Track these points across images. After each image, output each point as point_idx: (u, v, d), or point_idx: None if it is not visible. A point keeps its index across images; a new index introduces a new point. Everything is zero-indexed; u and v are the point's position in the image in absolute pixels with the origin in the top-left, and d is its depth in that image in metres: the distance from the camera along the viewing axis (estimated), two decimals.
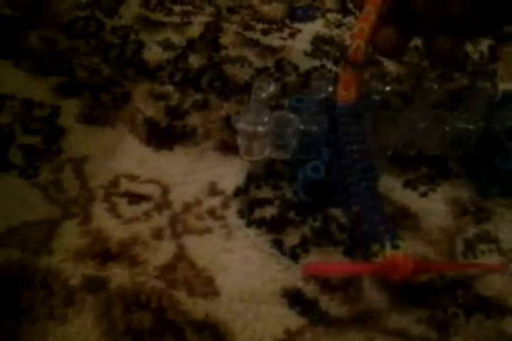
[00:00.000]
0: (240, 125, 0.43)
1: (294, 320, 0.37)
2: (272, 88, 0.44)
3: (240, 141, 0.46)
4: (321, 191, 0.43)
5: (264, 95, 0.44)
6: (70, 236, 0.40)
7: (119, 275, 0.38)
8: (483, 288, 0.40)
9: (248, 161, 0.47)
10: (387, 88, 0.49)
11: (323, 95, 0.45)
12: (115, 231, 0.41)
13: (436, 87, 0.48)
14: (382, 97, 0.48)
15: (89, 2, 0.62)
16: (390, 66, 0.59)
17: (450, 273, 0.40)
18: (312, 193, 0.44)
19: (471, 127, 0.45)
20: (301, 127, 0.43)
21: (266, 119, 0.43)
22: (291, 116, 0.43)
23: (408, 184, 0.47)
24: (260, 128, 0.43)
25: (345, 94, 0.42)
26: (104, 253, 0.39)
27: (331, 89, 0.45)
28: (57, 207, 0.42)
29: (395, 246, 0.36)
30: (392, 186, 0.46)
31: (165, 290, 0.38)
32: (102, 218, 0.42)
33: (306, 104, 0.46)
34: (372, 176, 0.40)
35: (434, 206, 0.45)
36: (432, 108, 0.47)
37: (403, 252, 0.35)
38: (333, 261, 0.41)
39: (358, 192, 0.39)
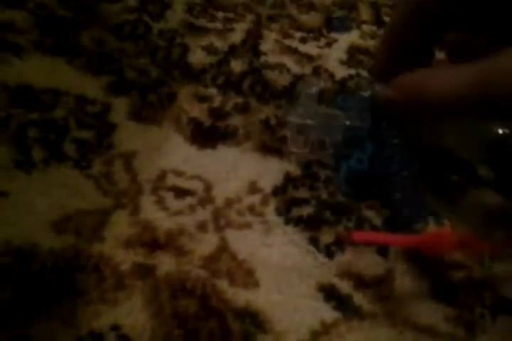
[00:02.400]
0: (290, 117, 0.46)
1: (329, 314, 0.40)
2: (321, 83, 0.47)
3: (289, 134, 0.48)
4: (364, 182, 0.46)
5: (313, 90, 0.46)
6: (120, 225, 0.43)
7: (166, 263, 0.41)
8: (509, 291, 0.42)
9: (294, 154, 0.50)
10: None
11: (368, 92, 0.48)
12: (162, 222, 0.43)
13: None
14: None
15: (137, 6, 0.65)
16: None
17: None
18: (355, 185, 0.46)
19: (507, 131, 0.47)
20: (347, 122, 0.46)
21: (314, 114, 0.46)
22: (338, 113, 0.46)
23: (437, 191, 0.49)
24: (309, 122, 0.46)
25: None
26: (153, 243, 0.42)
27: (376, 87, 0.48)
28: (109, 198, 0.44)
29: (439, 223, 0.37)
30: None
31: (209, 279, 0.40)
32: (150, 210, 0.44)
33: (350, 102, 0.49)
34: (413, 166, 0.43)
35: (463, 213, 0.47)
36: None
37: (447, 228, 0.37)
38: (381, 232, 0.43)
39: (399, 181, 0.42)
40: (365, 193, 0.47)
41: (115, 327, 0.37)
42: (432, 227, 0.38)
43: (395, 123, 0.46)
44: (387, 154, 0.45)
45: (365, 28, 0.68)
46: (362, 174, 0.45)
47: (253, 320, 0.38)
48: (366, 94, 0.49)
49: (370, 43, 0.65)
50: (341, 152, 0.48)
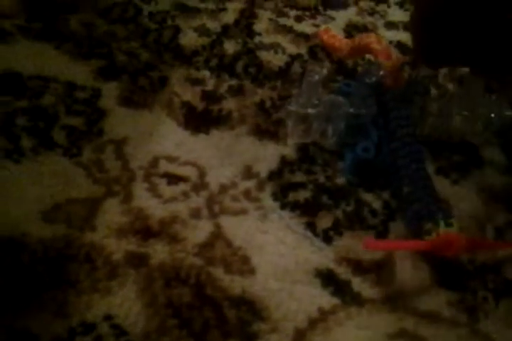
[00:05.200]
0: (291, 107, 0.44)
1: (326, 300, 0.39)
2: (324, 71, 0.45)
3: (290, 123, 0.47)
4: (369, 171, 0.45)
5: (316, 78, 0.45)
6: (112, 213, 0.42)
7: (159, 251, 0.40)
8: None
9: (296, 143, 0.48)
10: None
11: (373, 79, 0.46)
12: (155, 209, 0.42)
13: None
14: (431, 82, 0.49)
15: None
16: None
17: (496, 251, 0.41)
18: (361, 173, 0.45)
19: None
20: (350, 110, 0.44)
21: (316, 102, 0.44)
22: (341, 99, 0.45)
23: (440, 171, 0.47)
24: (310, 111, 0.44)
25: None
26: (145, 231, 0.41)
27: (381, 73, 0.46)
28: (100, 186, 0.43)
29: (448, 224, 0.37)
30: None
31: (203, 267, 0.39)
32: (142, 197, 0.43)
33: (355, 88, 0.47)
34: (422, 158, 0.42)
35: (465, 193, 0.46)
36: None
37: (456, 230, 0.36)
38: (391, 239, 0.42)
39: (408, 174, 0.41)
40: (371, 183, 0.46)
41: (108, 317, 0.36)
42: (441, 228, 0.37)
43: (403, 110, 0.44)
44: (396, 145, 0.43)
45: (363, 4, 0.66)
46: (368, 163, 0.44)
47: (249, 307, 0.38)
48: (370, 80, 0.47)
49: (368, 20, 0.63)
50: (345, 140, 0.47)
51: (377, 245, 0.40)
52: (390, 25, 0.64)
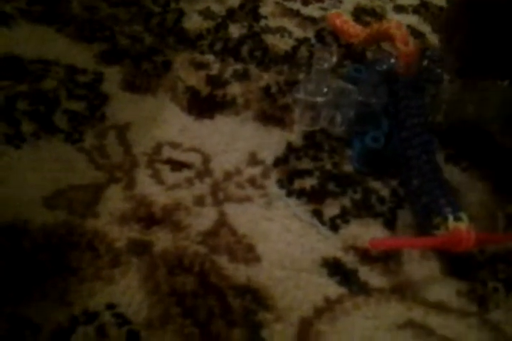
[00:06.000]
0: (299, 94, 0.43)
1: (333, 289, 0.38)
2: (334, 59, 0.43)
3: (297, 110, 0.46)
4: (379, 161, 0.44)
5: (325, 65, 0.43)
6: (115, 200, 0.41)
7: (162, 239, 0.39)
8: None
9: (303, 129, 0.47)
10: None
11: (384, 67, 0.44)
12: (158, 196, 0.41)
13: None
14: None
15: None
16: (433, 38, 0.57)
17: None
18: (369, 163, 0.44)
19: None
20: (360, 98, 0.43)
21: (325, 90, 0.43)
22: (351, 87, 0.43)
23: (450, 158, 0.46)
24: (319, 99, 0.43)
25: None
26: (149, 218, 0.40)
27: (392, 61, 0.45)
28: (102, 172, 0.43)
29: (457, 218, 0.36)
30: None
31: (207, 255, 0.39)
32: (145, 184, 0.42)
33: (365, 74, 0.46)
34: (432, 149, 0.40)
35: (475, 181, 0.45)
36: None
37: (466, 224, 0.36)
38: (399, 236, 0.41)
39: (418, 166, 0.40)
40: (381, 171, 0.45)
41: (111, 306, 0.35)
42: (450, 223, 0.36)
43: (414, 99, 0.43)
44: (406, 135, 0.42)
45: None
46: (377, 153, 0.43)
47: (254, 296, 0.37)
48: (381, 68, 0.46)
49: (377, 3, 0.62)
50: (354, 129, 0.46)
51: (383, 244, 0.39)
52: (399, 9, 0.62)
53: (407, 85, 0.42)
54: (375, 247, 0.39)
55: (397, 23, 0.45)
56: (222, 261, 0.38)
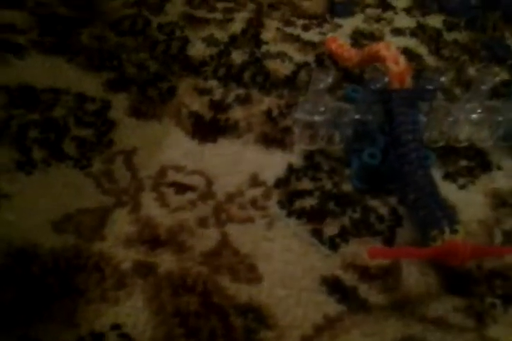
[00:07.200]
0: (297, 114, 0.45)
1: (333, 307, 0.39)
2: (330, 79, 0.45)
3: (296, 130, 0.47)
4: (377, 177, 0.45)
5: (322, 86, 0.45)
6: (121, 223, 0.42)
7: (167, 260, 0.40)
8: None
9: (304, 149, 0.49)
10: (443, 79, 0.50)
11: (378, 85, 0.46)
12: (163, 219, 0.43)
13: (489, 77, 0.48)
14: (437, 88, 0.49)
15: (136, 0, 0.64)
16: (430, 60, 0.59)
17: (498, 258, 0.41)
18: (367, 180, 0.45)
19: None
20: (357, 117, 0.44)
21: (322, 109, 0.44)
22: (347, 106, 0.45)
23: (448, 176, 0.47)
24: (317, 118, 0.44)
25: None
26: (153, 240, 0.41)
27: (386, 79, 0.46)
28: (109, 196, 0.44)
29: (453, 231, 0.37)
30: None
31: (210, 275, 0.40)
32: (150, 207, 0.44)
33: (361, 94, 0.47)
34: (428, 164, 0.41)
35: (473, 198, 0.46)
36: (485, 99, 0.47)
37: (462, 237, 0.36)
38: (396, 247, 0.42)
39: (414, 180, 0.41)
40: (378, 189, 0.46)
41: (116, 327, 0.36)
42: (446, 236, 0.37)
43: (409, 116, 0.44)
44: (402, 151, 0.43)
45: (369, 11, 0.66)
46: (375, 169, 0.44)
47: (256, 315, 0.38)
48: (376, 86, 0.47)
49: (375, 27, 0.63)
50: (352, 146, 0.47)
51: (381, 254, 0.40)
52: (397, 32, 0.64)
53: (401, 102, 0.44)
54: (373, 257, 0.39)
55: (386, 44, 0.46)
56: (225, 280, 0.40)
